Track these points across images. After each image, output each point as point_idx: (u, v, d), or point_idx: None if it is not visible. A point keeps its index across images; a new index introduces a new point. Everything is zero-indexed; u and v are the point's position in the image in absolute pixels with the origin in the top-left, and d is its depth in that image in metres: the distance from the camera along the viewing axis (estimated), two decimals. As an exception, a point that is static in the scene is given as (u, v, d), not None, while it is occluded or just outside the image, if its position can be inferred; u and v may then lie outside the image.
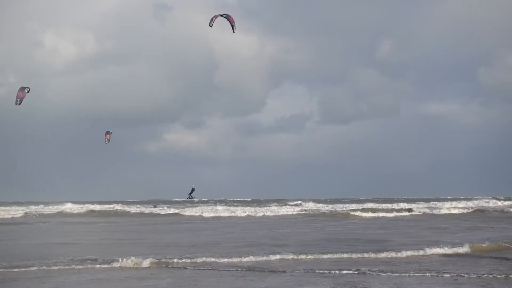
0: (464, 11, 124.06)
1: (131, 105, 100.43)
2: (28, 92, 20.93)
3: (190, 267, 13.74)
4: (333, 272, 12.54)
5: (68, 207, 56.75)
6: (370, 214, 43.20)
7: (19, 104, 20.76)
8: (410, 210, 47.20)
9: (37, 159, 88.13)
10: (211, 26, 20.29)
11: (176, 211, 50.93)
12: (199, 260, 14.69)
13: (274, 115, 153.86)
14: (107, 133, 27.83)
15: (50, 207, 57.41)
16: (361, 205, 58.24)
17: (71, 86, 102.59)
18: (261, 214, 45.67)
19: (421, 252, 15.45)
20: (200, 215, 45.33)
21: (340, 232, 25.34)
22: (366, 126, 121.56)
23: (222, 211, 49.19)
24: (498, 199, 64.78)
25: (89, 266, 14.01)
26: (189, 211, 49.76)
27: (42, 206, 59.51)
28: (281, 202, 73.52)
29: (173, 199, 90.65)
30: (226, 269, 13.41)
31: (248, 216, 44.23)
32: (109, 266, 13.96)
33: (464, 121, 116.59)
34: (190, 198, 43.13)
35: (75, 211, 52.06)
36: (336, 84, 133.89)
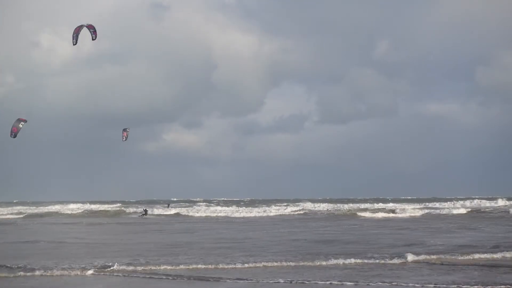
0: (463, 11, 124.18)
1: (130, 105, 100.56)
2: (23, 125, 20.49)
3: (135, 274, 13.17)
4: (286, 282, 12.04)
5: (59, 207, 56.84)
6: (365, 214, 43.42)
7: (14, 137, 20.28)
8: (393, 211, 46.83)
9: (33, 159, 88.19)
10: (74, 44, 19.52)
11: (176, 211, 51.33)
12: (150, 266, 14.04)
13: (272, 115, 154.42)
14: (124, 130, 27.10)
15: (46, 207, 57.42)
16: (357, 205, 58.38)
17: (69, 86, 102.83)
18: (256, 215, 46.04)
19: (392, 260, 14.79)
20: (201, 216, 45.52)
21: (329, 233, 25.39)
22: (365, 126, 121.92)
23: (220, 211, 49.38)
24: (496, 199, 64.87)
25: (22, 274, 13.18)
26: (187, 211, 50.19)
27: (35, 206, 59.44)
28: (280, 202, 73.62)
29: (173, 199, 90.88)
30: (170, 276, 12.76)
31: (244, 216, 44.41)
32: (46, 273, 13.17)
33: (463, 121, 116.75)
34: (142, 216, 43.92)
35: (67, 211, 52.10)
36: (335, 84, 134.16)
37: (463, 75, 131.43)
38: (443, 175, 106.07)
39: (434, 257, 15.34)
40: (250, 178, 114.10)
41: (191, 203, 75.98)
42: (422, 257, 15.20)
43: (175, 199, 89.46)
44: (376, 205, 55.60)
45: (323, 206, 57.55)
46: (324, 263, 14.50)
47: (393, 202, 66.37)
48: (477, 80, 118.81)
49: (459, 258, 15.23)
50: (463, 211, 46.60)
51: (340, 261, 14.58)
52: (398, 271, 13.38)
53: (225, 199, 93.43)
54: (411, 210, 47.01)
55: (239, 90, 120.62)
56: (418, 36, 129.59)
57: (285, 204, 64.16)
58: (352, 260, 14.67)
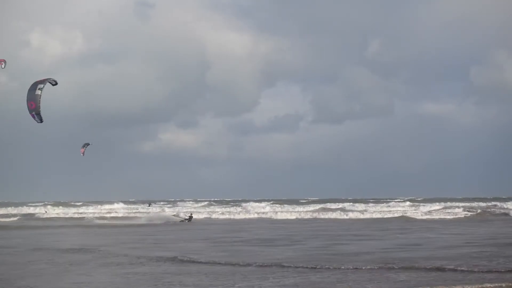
0: (458, 11, 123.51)
1: (124, 105, 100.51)
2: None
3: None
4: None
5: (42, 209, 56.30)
6: (345, 216, 44.29)
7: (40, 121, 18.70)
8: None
9: (27, 159, 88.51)
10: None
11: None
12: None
13: (267, 115, 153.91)
14: (85, 145, 26.94)
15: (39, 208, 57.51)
16: (349, 205, 59.00)
17: (63, 86, 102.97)
18: (243, 216, 47.13)
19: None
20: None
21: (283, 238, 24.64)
22: (360, 125, 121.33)
23: (202, 213, 49.92)
24: (490, 200, 64.85)
25: None
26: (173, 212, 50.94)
27: (30, 207, 59.20)
28: (278, 202, 73.85)
29: (169, 199, 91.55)
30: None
31: (229, 218, 45.28)
32: None
33: (458, 121, 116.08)
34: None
35: (44, 213, 51.46)
36: (330, 84, 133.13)
37: (458, 74, 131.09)
38: (439, 175, 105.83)
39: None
40: (246, 178, 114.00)
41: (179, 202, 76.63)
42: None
43: (174, 199, 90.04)
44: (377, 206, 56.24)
45: (313, 206, 57.84)
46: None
47: (386, 202, 66.65)
48: (472, 79, 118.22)
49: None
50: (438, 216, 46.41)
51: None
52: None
53: (222, 199, 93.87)
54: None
55: (234, 89, 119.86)
56: (413, 36, 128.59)
57: (278, 204, 64.09)
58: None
